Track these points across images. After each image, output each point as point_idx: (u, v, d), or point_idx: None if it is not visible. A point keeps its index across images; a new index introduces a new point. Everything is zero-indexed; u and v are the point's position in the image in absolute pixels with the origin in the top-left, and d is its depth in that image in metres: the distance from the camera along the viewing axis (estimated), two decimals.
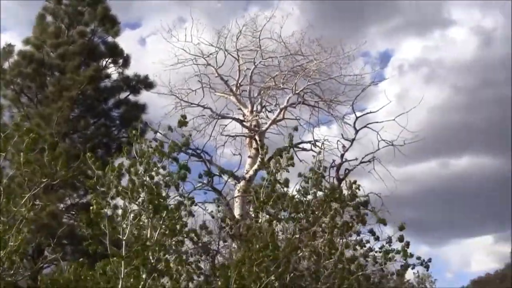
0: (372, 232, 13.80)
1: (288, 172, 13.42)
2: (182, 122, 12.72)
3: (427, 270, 14.32)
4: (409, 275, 30.17)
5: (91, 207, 11.47)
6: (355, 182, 14.01)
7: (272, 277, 12.16)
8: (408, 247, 13.40)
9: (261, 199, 13.14)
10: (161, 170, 11.92)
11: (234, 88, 26.25)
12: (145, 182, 11.65)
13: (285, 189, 13.29)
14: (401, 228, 13.43)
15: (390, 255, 13.45)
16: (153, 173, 11.79)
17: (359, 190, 13.92)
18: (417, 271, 34.10)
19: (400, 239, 13.35)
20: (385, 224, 13.95)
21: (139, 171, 11.74)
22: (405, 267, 13.76)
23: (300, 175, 13.48)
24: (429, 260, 14.23)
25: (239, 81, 26.48)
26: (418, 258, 13.86)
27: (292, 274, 12.66)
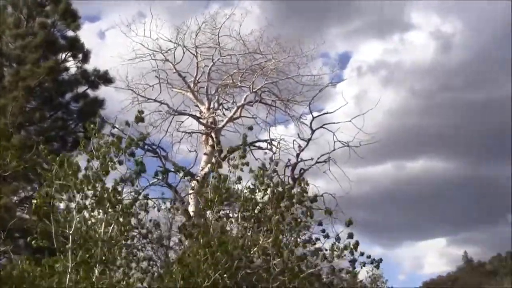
0: (320, 223, 13.93)
1: (242, 171, 13.49)
2: (139, 118, 12.73)
3: (377, 269, 14.52)
4: (362, 275, 30.45)
5: (33, 201, 11.39)
6: (303, 179, 14.16)
7: (225, 275, 12.22)
8: (357, 245, 13.56)
9: (210, 197, 13.20)
10: (117, 165, 11.90)
11: (191, 85, 26.23)
12: (100, 177, 11.63)
13: (237, 187, 13.39)
14: (349, 223, 13.61)
15: (337, 249, 13.57)
16: (109, 168, 11.76)
17: (308, 186, 14.04)
18: (371, 270, 34.57)
19: (350, 235, 13.50)
20: (330, 214, 14.13)
21: (95, 166, 11.71)
22: (353, 262, 13.87)
23: (251, 170, 13.55)
24: (380, 260, 14.41)
25: (197, 78, 26.48)
26: (369, 256, 14.00)
27: (244, 272, 12.73)
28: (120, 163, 11.95)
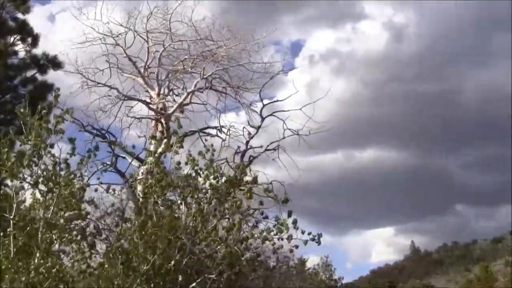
0: (261, 203, 14.02)
1: (178, 154, 13.54)
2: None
3: (318, 245, 14.57)
4: (310, 263, 30.71)
5: None
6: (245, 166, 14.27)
7: (169, 261, 12.26)
8: (296, 222, 13.68)
9: (151, 182, 13.23)
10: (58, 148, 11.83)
11: (142, 70, 26.11)
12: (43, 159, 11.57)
13: (182, 172, 13.43)
14: (285, 201, 13.74)
15: (276, 228, 13.67)
16: (42, 150, 11.68)
17: (249, 173, 14.13)
18: (322, 259, 34.89)
19: (289, 214, 13.62)
20: (286, 202, 14.22)
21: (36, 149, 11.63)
22: (289, 238, 13.96)
23: (190, 155, 13.60)
24: (320, 234, 14.52)
25: (148, 63, 26.37)
26: (309, 233, 14.10)
27: (188, 258, 12.77)
28: (52, 146, 11.84)
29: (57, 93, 12.36)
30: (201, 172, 13.39)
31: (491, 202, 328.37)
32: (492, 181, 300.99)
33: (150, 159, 14.09)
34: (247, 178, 14.17)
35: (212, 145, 14.49)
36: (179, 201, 13.76)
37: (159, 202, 13.41)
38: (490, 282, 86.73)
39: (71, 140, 12.13)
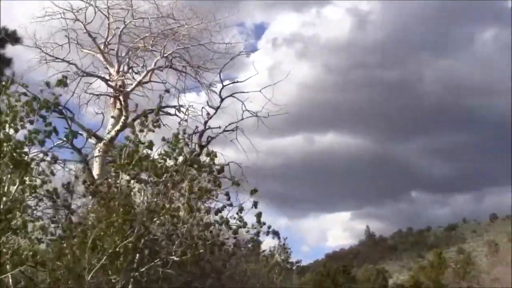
0: (227, 194, 14.02)
1: (154, 132, 13.44)
2: (62, 82, 12.52)
3: (278, 239, 14.78)
4: (266, 245, 30.74)
5: None
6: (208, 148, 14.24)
7: (127, 241, 12.18)
8: (260, 216, 13.75)
9: (122, 160, 13.10)
10: (28, 125, 11.68)
11: (102, 46, 25.83)
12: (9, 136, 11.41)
13: (148, 151, 13.34)
14: (253, 192, 13.76)
15: (241, 219, 13.72)
16: (19, 127, 11.52)
17: (216, 157, 14.11)
18: (279, 243, 34.93)
19: (255, 204, 13.66)
20: (237, 185, 14.22)
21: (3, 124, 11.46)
22: (257, 233, 14.08)
23: (164, 139, 13.52)
24: (277, 232, 14.66)
25: (108, 40, 26.09)
26: (269, 227, 14.21)
27: (147, 238, 12.70)
28: (31, 123, 11.70)
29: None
30: (172, 153, 13.33)
31: (446, 189, 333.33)
32: (448, 169, 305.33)
33: (111, 135, 13.86)
34: (214, 160, 14.14)
35: (186, 126, 14.42)
36: (142, 180, 13.66)
37: (124, 180, 13.31)
38: (443, 268, 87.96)
39: (49, 124, 11.97)
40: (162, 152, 13.40)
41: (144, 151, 13.22)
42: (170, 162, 13.37)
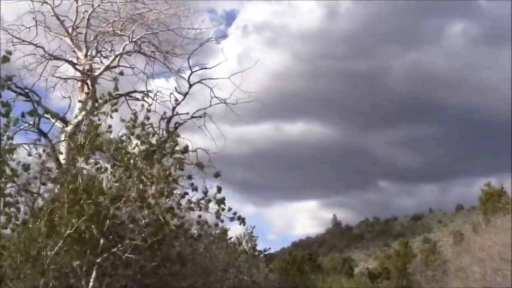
0: (189, 176, 14.02)
1: (112, 118, 13.36)
2: (6, 58, 12.39)
3: (244, 225, 14.82)
4: (233, 232, 30.82)
5: None
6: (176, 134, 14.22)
7: (92, 225, 12.11)
8: (223, 200, 13.78)
9: (80, 143, 13.03)
10: None
11: (70, 30, 25.57)
12: None
13: (110, 136, 13.28)
14: (216, 175, 13.79)
15: (204, 202, 13.73)
16: None
17: (178, 138, 14.10)
18: (247, 229, 35.01)
19: (218, 189, 13.68)
20: (201, 168, 14.22)
21: None
22: (218, 214, 14.09)
23: (122, 120, 13.45)
24: (244, 219, 14.72)
25: (76, 23, 25.81)
26: (235, 213, 14.26)
27: (111, 222, 12.64)
28: None
29: None
30: (131, 138, 13.29)
31: (413, 180, 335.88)
32: (415, 159, 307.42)
33: (78, 120, 13.76)
34: (177, 145, 14.13)
35: (149, 110, 14.34)
36: (106, 165, 13.61)
37: (86, 164, 13.23)
38: (409, 257, 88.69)
39: (6, 105, 11.86)
40: (123, 135, 13.35)
41: (107, 135, 13.17)
42: (131, 146, 13.33)
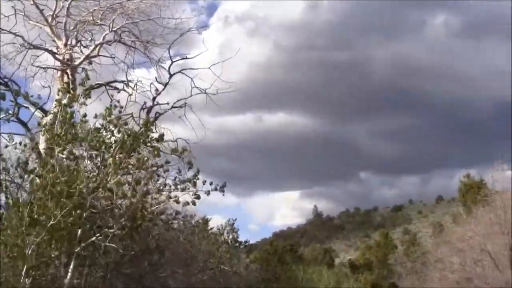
0: (167, 162, 14.02)
1: (86, 105, 13.31)
2: None
3: (223, 194, 14.82)
4: (214, 223, 30.87)
5: None
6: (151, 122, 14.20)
7: (70, 216, 12.07)
8: (197, 173, 13.79)
9: (57, 133, 12.97)
10: None
11: (49, 19, 25.36)
12: None
13: (87, 125, 13.23)
14: (189, 164, 13.80)
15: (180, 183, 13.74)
16: None
17: (156, 130, 14.12)
18: (227, 222, 35.04)
19: (194, 176, 13.69)
20: (180, 154, 14.20)
21: None
22: (197, 196, 14.09)
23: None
24: (224, 184, 14.74)
25: (55, 12, 25.57)
26: (211, 183, 14.28)
27: (88, 212, 12.60)
28: None
29: None
30: (108, 127, 13.24)
31: (394, 171, 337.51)
32: (396, 151, 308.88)
33: (61, 109, 13.67)
34: (153, 134, 14.12)
35: (118, 101, 14.31)
36: (84, 154, 13.55)
37: (63, 154, 13.17)
38: (389, 248, 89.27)
39: None
40: (100, 126, 13.31)
41: (88, 125, 13.13)
42: (108, 136, 13.30)
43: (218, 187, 14.66)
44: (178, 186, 13.99)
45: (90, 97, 13.46)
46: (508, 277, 30.22)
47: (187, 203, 14.80)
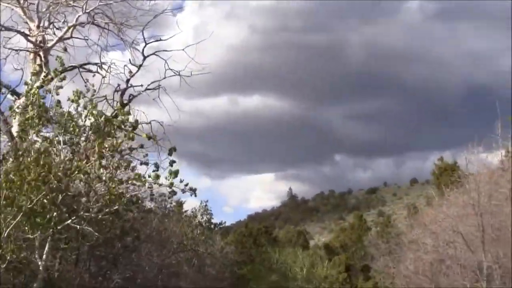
0: (141, 146, 14.01)
1: (62, 87, 13.23)
2: None
3: (195, 196, 14.90)
4: (188, 205, 30.94)
5: None
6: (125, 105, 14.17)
7: (45, 199, 12.02)
8: (177, 173, 13.81)
9: (30, 116, 12.90)
10: None
11: (21, 0, 25.10)
12: None
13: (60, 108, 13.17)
14: (171, 151, 13.80)
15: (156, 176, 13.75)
16: None
17: (130, 112, 14.06)
18: (200, 205, 35.09)
19: (171, 163, 13.70)
20: (154, 140, 14.20)
21: None
22: (172, 192, 14.13)
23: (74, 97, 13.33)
24: (195, 189, 14.78)
25: None
26: (186, 184, 14.30)
27: (64, 195, 12.56)
28: None
29: None
30: (81, 111, 13.18)
31: (369, 153, 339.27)
32: (371, 133, 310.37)
33: (33, 91, 13.57)
34: (129, 118, 14.07)
35: (93, 85, 14.24)
36: (58, 138, 13.48)
37: (37, 138, 13.11)
38: (363, 230, 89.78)
39: None
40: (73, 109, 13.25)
41: (62, 109, 13.06)
42: (82, 118, 13.24)
43: (192, 189, 14.73)
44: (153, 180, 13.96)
45: (62, 87, 13.33)
46: (480, 258, 30.50)
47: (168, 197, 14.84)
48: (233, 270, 50.21)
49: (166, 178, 14.16)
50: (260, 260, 66.20)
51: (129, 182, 13.70)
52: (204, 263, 33.64)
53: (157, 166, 13.91)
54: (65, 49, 20.94)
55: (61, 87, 13.57)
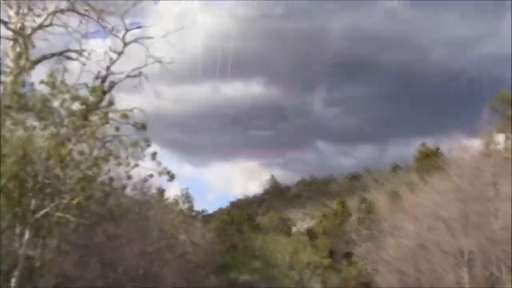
0: (117, 129, 13.99)
1: (32, 68, 13.19)
2: None
3: (172, 180, 14.89)
4: (170, 193, 30.98)
5: None
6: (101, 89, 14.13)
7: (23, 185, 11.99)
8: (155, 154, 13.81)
9: (6, 104, 12.85)
10: None
11: None
12: None
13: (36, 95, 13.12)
14: (142, 126, 13.81)
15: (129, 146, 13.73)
16: None
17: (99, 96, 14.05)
18: (182, 192, 35.04)
19: (146, 140, 13.68)
20: (144, 128, 14.20)
21: None
22: (150, 175, 14.12)
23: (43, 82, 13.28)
24: (173, 175, 14.77)
25: None
26: (164, 168, 14.31)
27: (41, 182, 12.52)
28: None
29: None
30: (56, 93, 13.10)
31: (350, 140, 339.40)
32: (352, 119, 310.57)
33: (8, 78, 13.54)
34: (104, 102, 14.03)
35: (65, 68, 14.17)
36: (34, 123, 13.43)
37: (16, 126, 13.05)
38: (346, 216, 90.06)
39: None
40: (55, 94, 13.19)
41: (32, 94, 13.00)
42: (57, 103, 13.18)
43: (169, 173, 14.70)
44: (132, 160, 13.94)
45: (33, 68, 13.27)
46: (461, 243, 30.73)
47: (144, 180, 14.85)
48: (215, 258, 50.24)
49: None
50: (243, 247, 66.28)
51: (102, 159, 13.64)
52: (185, 250, 33.64)
53: (134, 145, 13.88)
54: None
55: (31, 68, 13.48)
